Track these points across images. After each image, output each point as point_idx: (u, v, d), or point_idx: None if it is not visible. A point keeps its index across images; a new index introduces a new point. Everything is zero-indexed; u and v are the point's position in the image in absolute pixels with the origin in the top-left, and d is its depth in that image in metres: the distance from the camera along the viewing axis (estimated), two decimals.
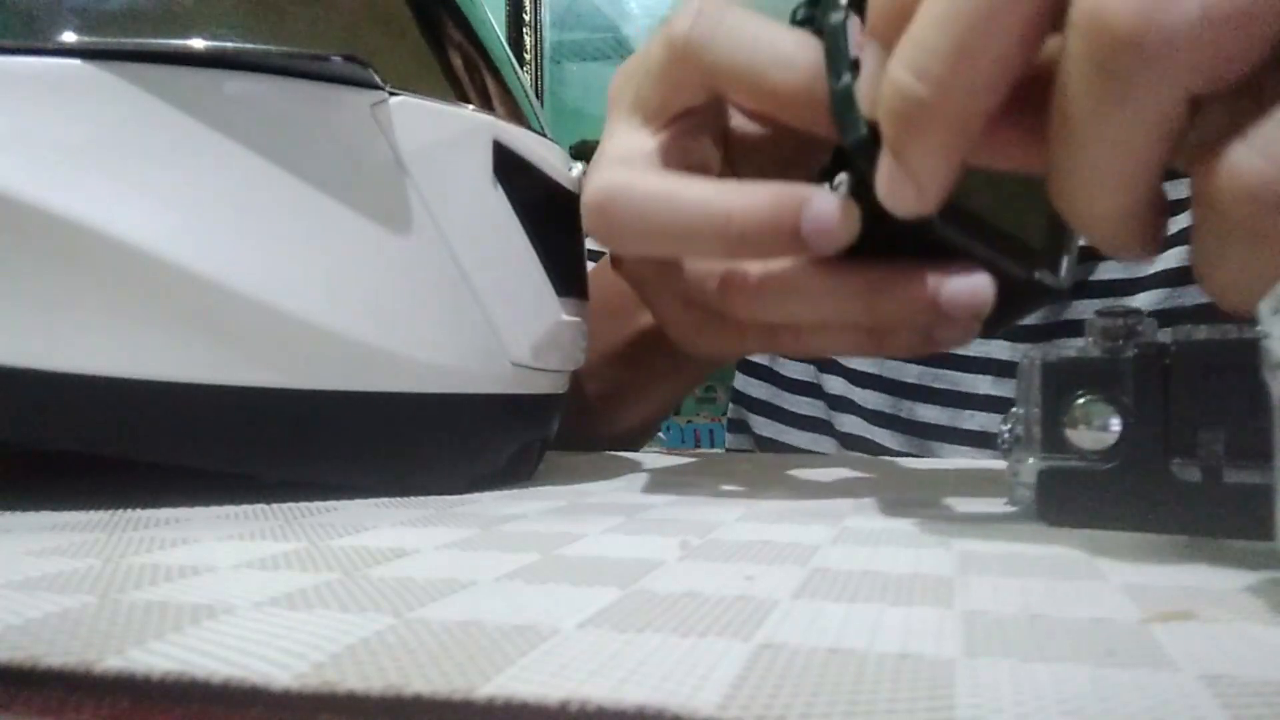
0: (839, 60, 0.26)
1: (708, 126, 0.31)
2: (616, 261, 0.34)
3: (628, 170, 0.29)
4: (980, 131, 0.21)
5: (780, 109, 0.29)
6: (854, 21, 0.26)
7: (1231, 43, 0.18)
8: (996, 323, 0.28)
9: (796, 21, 0.30)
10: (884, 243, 0.26)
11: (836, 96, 0.25)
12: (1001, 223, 0.26)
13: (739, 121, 0.33)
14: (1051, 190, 0.22)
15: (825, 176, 0.29)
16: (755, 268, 0.29)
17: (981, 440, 0.58)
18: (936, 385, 0.60)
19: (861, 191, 0.25)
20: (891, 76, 0.22)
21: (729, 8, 0.29)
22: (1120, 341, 0.24)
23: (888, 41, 0.22)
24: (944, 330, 0.28)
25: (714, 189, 0.28)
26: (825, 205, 0.26)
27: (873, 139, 0.24)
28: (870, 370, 0.61)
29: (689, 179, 0.29)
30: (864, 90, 0.24)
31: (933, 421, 0.60)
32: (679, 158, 0.31)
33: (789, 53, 0.28)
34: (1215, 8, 0.18)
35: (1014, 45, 0.20)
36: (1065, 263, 0.28)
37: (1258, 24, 0.18)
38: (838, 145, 0.29)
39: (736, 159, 0.33)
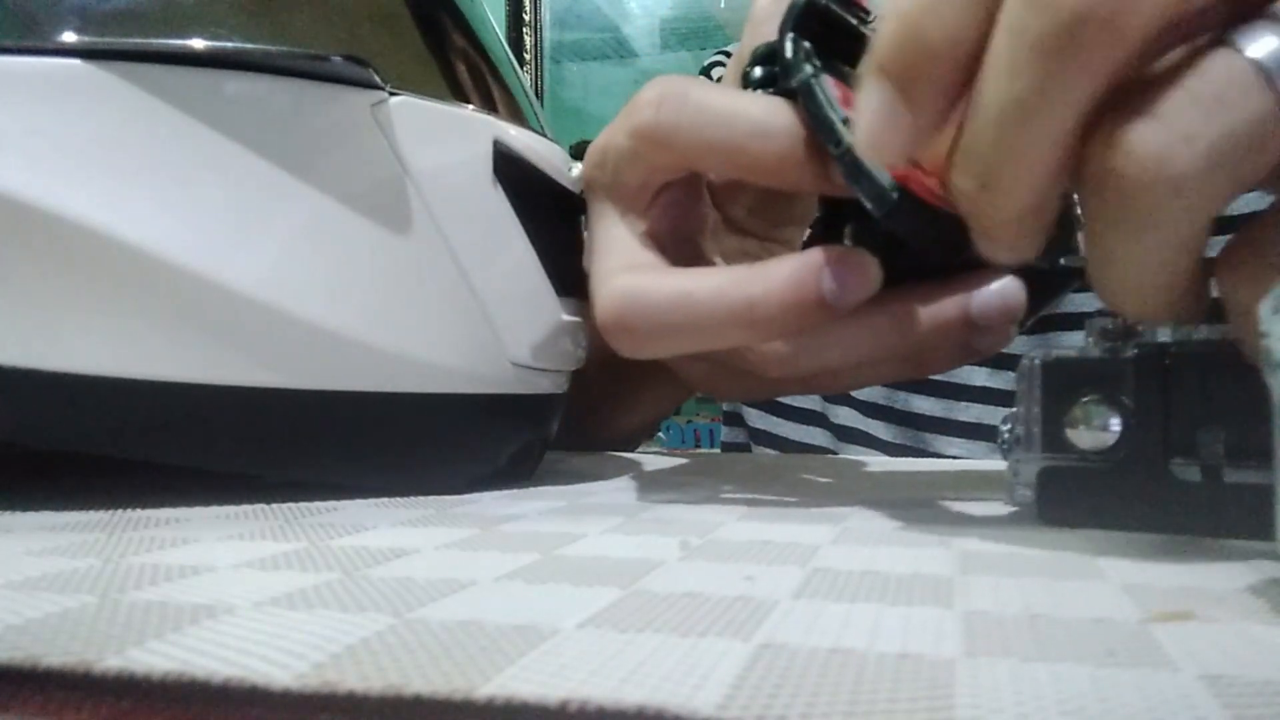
0: (829, 126, 0.25)
1: (691, 190, 0.31)
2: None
3: (636, 275, 0.28)
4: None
5: (764, 177, 0.28)
6: (825, 78, 0.26)
7: (1246, 171, 0.18)
8: (1029, 315, 0.28)
9: (752, 84, 0.29)
10: (904, 271, 0.26)
11: (846, 166, 0.24)
12: None
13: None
14: (1093, 284, 0.21)
15: (824, 228, 0.28)
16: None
17: (976, 432, 0.58)
18: (931, 377, 0.59)
19: (870, 235, 0.25)
20: (958, 187, 0.21)
21: (690, 84, 0.28)
22: (1120, 341, 0.24)
23: (904, 84, 0.21)
24: (981, 338, 0.28)
25: (728, 279, 0.26)
26: (843, 266, 0.25)
27: (898, 192, 0.23)
28: None
29: (701, 274, 0.27)
30: (872, 138, 0.22)
31: (927, 413, 0.59)
32: (671, 229, 0.30)
33: (762, 121, 0.27)
34: (1217, 151, 0.18)
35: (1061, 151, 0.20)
36: (1080, 238, 0.28)
37: (1271, 147, 0.18)
38: (824, 198, 0.29)
39: (723, 203, 0.33)
